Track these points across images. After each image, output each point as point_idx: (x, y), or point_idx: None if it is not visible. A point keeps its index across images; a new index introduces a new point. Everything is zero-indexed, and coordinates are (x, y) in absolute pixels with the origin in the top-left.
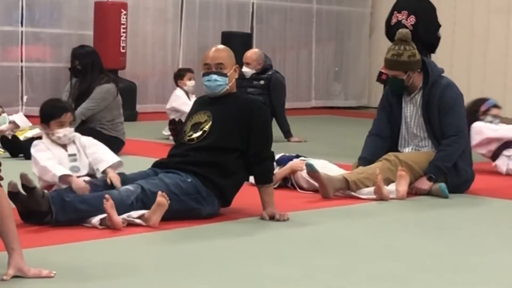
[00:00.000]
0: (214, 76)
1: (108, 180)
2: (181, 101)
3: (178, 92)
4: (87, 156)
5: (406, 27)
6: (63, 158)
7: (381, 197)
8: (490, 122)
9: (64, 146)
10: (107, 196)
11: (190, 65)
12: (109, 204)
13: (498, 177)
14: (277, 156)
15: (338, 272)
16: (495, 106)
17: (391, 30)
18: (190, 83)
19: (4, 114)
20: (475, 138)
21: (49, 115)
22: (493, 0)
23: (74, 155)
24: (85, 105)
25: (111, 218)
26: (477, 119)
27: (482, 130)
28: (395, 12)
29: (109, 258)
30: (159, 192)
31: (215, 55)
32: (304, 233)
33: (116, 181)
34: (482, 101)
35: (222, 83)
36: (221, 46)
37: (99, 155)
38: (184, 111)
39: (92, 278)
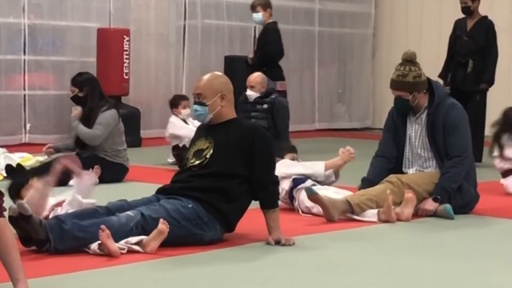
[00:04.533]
0: (195, 106)
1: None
2: (177, 126)
3: (172, 119)
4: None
5: None
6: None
7: (388, 218)
8: None
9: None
10: (102, 226)
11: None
12: (104, 235)
13: (504, 197)
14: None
15: None
16: None
17: None
18: (184, 112)
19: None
20: (502, 151)
21: (15, 190)
22: (495, 19)
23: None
24: (96, 132)
25: (108, 247)
26: (510, 129)
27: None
28: None
29: (112, 287)
30: (161, 220)
31: (196, 85)
32: (311, 257)
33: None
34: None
35: (202, 113)
36: (205, 76)
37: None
38: (182, 136)
39: None
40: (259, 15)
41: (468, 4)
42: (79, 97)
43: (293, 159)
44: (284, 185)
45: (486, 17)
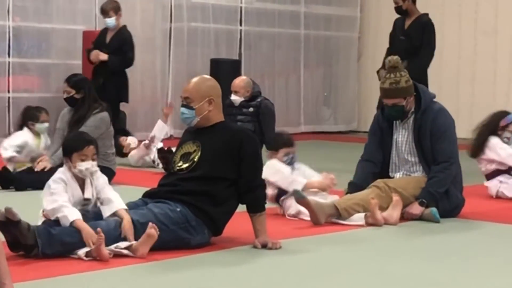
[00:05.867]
0: (182, 109)
1: (123, 231)
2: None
3: (132, 152)
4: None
5: None
6: (77, 198)
7: (375, 222)
8: (508, 138)
9: (82, 184)
10: (99, 229)
11: (179, 93)
12: (101, 239)
13: (488, 201)
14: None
15: None
16: None
17: None
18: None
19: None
20: (485, 152)
21: (71, 147)
22: (480, 23)
23: (89, 200)
24: None
25: (100, 252)
26: (495, 132)
27: (496, 149)
28: None
29: None
30: (150, 224)
31: (184, 88)
32: (297, 261)
33: (130, 233)
34: (502, 114)
35: (188, 116)
36: (194, 79)
37: (110, 197)
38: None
39: None
40: (112, 20)
41: (399, 4)
42: (75, 98)
43: (287, 154)
44: (268, 190)
45: (424, 15)
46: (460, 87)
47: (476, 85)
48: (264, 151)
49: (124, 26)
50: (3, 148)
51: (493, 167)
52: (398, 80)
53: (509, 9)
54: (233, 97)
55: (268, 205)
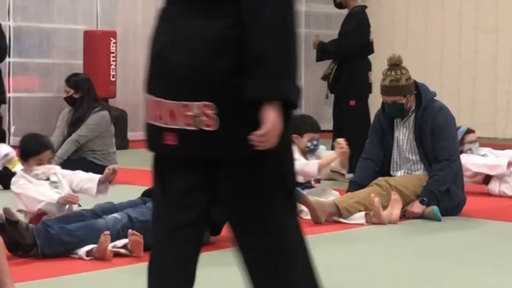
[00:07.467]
0: None
1: (109, 170)
2: None
3: None
4: (71, 184)
5: None
6: (44, 185)
7: (379, 221)
8: (470, 149)
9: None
10: (106, 232)
11: None
12: (105, 240)
13: (490, 199)
14: None
15: None
16: (468, 131)
17: None
18: None
19: None
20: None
21: (27, 151)
22: (480, 21)
23: (56, 182)
24: (79, 132)
25: (104, 252)
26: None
27: (467, 167)
28: None
29: None
30: (129, 231)
31: None
32: None
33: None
34: None
35: None
36: None
37: (84, 176)
38: None
39: None
40: None
41: None
42: (74, 98)
43: (311, 139)
44: None
45: (356, 7)
46: (461, 86)
47: (477, 84)
48: None
49: None
50: None
51: (483, 174)
52: (398, 78)
53: (510, 6)
54: None
55: None
